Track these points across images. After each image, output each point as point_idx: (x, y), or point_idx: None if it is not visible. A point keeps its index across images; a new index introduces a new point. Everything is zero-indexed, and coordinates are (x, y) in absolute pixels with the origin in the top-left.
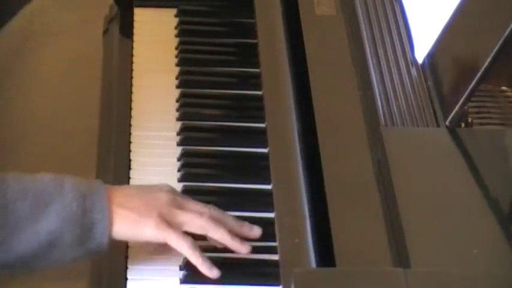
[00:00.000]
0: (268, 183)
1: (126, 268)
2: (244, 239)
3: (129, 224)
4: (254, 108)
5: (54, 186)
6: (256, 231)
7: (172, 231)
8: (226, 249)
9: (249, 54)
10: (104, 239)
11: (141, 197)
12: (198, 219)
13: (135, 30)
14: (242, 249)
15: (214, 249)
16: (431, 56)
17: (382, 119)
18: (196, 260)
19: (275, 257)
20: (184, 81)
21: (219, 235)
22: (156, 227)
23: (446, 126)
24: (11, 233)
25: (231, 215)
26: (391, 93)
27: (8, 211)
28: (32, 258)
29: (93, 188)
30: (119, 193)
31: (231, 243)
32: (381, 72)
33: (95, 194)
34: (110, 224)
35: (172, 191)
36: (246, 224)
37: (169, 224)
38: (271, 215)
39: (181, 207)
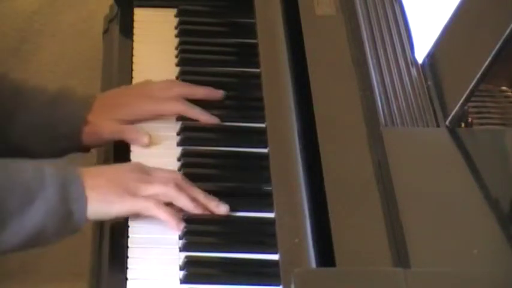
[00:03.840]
0: (268, 183)
1: (126, 268)
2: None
3: (100, 205)
4: (254, 108)
5: (36, 181)
6: (222, 208)
7: (140, 201)
8: (226, 249)
9: (249, 54)
10: (81, 224)
11: (109, 177)
12: (163, 189)
13: (135, 30)
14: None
15: (214, 248)
16: (431, 56)
17: (382, 119)
18: (173, 223)
19: (275, 257)
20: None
21: (181, 203)
22: (123, 203)
23: (446, 126)
24: (1, 228)
25: (198, 189)
26: (391, 93)
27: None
28: (20, 248)
29: (70, 177)
30: (89, 176)
31: (193, 210)
32: (381, 72)
33: (72, 183)
34: (86, 209)
35: (137, 168)
36: (213, 200)
37: (136, 197)
38: (271, 215)
39: (146, 182)
